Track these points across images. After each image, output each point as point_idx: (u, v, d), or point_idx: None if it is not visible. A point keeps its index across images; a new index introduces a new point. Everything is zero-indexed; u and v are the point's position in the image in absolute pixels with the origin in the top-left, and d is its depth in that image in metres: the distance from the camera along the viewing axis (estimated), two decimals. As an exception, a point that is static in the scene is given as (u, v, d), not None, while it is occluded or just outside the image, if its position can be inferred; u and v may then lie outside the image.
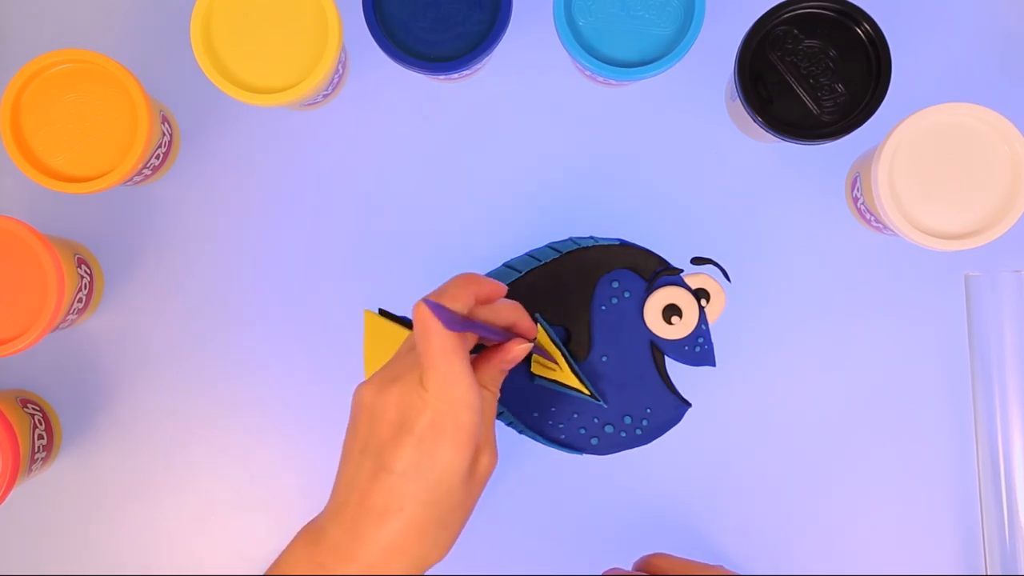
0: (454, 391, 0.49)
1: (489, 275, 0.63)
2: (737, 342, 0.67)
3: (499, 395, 0.55)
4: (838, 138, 0.61)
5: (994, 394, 0.66)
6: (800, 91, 0.62)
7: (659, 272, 0.62)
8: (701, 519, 0.69)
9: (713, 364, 0.63)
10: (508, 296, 0.62)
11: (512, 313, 0.54)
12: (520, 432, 0.63)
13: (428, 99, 0.69)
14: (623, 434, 0.63)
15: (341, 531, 0.51)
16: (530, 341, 0.55)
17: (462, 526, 0.52)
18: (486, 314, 0.53)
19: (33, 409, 0.66)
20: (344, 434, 0.54)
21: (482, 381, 0.53)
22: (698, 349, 0.62)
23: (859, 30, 0.61)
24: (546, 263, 0.63)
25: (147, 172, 0.66)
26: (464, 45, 0.61)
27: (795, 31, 0.61)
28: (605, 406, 0.62)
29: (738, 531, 0.69)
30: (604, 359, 0.62)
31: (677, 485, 0.69)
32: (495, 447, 0.53)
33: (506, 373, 0.55)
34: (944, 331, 0.69)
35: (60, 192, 0.62)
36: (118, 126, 0.62)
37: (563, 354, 0.61)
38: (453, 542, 0.52)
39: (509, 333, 0.54)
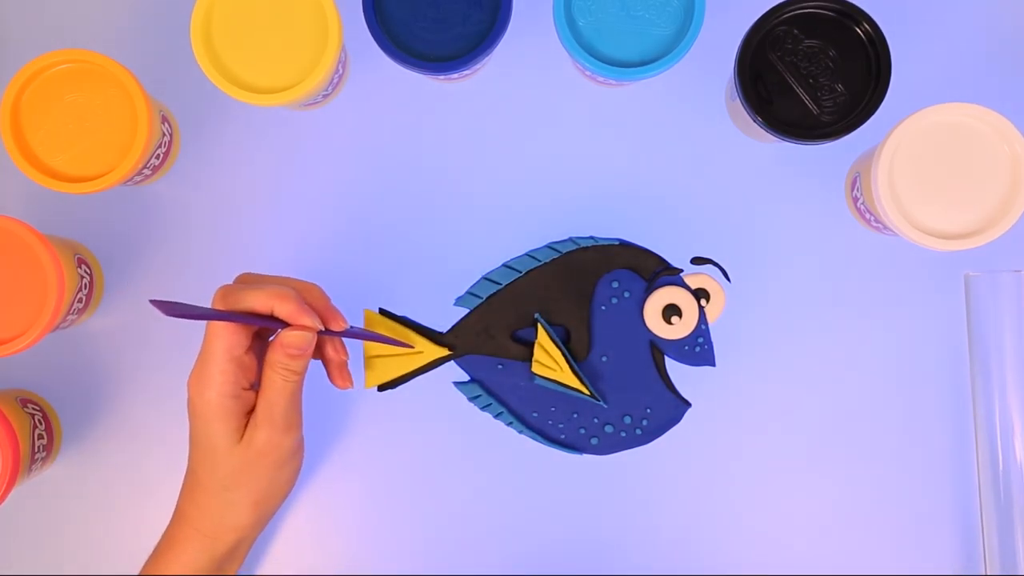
0: (199, 375, 0.58)
1: (489, 275, 0.63)
2: (737, 342, 0.67)
3: (296, 378, 0.58)
4: (838, 138, 0.61)
5: (994, 394, 0.66)
6: (800, 91, 0.62)
7: (659, 272, 0.62)
8: (701, 519, 0.69)
9: (713, 364, 0.63)
10: (507, 296, 0.62)
11: (268, 301, 0.57)
12: (520, 432, 0.63)
13: (428, 99, 0.69)
14: (623, 434, 0.63)
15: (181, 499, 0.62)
16: (315, 330, 0.58)
17: (262, 492, 0.60)
18: (233, 303, 0.57)
19: (33, 409, 0.66)
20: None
21: (270, 364, 0.58)
22: (698, 349, 0.62)
23: (859, 30, 0.61)
24: (546, 263, 0.63)
25: (147, 172, 0.66)
26: (464, 45, 0.61)
27: (795, 31, 0.61)
28: (605, 406, 0.62)
29: (738, 531, 0.69)
30: (604, 359, 0.62)
31: (677, 485, 0.69)
32: (283, 424, 0.59)
33: (298, 358, 0.58)
34: (944, 331, 0.69)
35: (60, 192, 0.62)
36: (118, 126, 0.62)
37: (563, 354, 0.61)
38: (254, 506, 0.60)
39: (277, 321, 0.58)
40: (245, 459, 0.59)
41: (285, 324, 0.58)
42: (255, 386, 0.60)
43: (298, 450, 0.62)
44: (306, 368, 0.59)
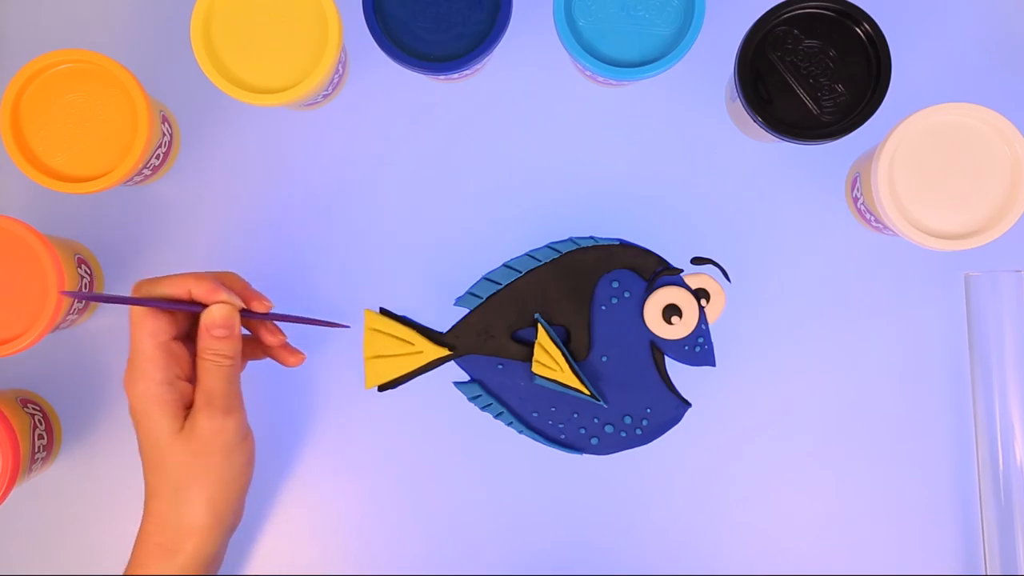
0: (131, 370, 0.58)
1: (489, 275, 0.63)
2: (737, 342, 0.67)
3: (228, 362, 0.59)
4: (838, 138, 0.61)
5: (994, 394, 0.66)
6: (800, 91, 0.62)
7: (659, 272, 0.62)
8: (701, 519, 0.69)
9: (713, 364, 0.63)
10: (507, 296, 0.62)
11: (183, 285, 0.59)
12: (520, 432, 0.63)
13: (428, 99, 0.69)
14: (623, 434, 0.63)
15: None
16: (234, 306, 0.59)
17: (214, 487, 0.59)
18: (149, 291, 0.59)
19: (33, 409, 0.66)
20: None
21: (200, 354, 0.59)
22: (698, 349, 0.62)
23: (859, 30, 0.61)
24: (546, 263, 0.63)
25: (147, 172, 0.66)
26: (464, 45, 0.61)
27: (795, 31, 0.61)
28: (605, 406, 0.62)
29: (738, 530, 0.69)
30: (604, 359, 0.62)
31: (677, 485, 0.69)
32: (223, 407, 0.59)
33: (225, 339, 0.59)
34: (944, 331, 0.69)
35: (60, 192, 0.62)
36: (118, 126, 0.62)
37: (563, 354, 0.61)
38: (209, 503, 0.59)
39: (197, 304, 0.59)
40: (190, 451, 0.58)
41: (205, 307, 0.59)
42: (191, 380, 0.60)
43: (245, 436, 0.61)
44: (238, 352, 0.60)
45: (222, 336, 0.59)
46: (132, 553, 0.61)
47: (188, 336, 0.61)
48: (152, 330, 0.58)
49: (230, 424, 0.59)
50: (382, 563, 0.69)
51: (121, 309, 0.69)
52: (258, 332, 0.62)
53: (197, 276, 0.59)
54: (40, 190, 0.63)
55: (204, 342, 0.59)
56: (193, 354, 0.61)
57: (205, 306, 0.59)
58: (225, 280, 0.61)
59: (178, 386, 0.59)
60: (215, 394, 0.59)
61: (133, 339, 0.58)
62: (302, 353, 0.63)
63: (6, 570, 0.69)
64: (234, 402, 0.60)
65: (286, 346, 0.63)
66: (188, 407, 0.59)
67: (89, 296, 0.60)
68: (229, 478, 0.60)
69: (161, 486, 0.59)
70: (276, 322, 0.63)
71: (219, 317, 0.59)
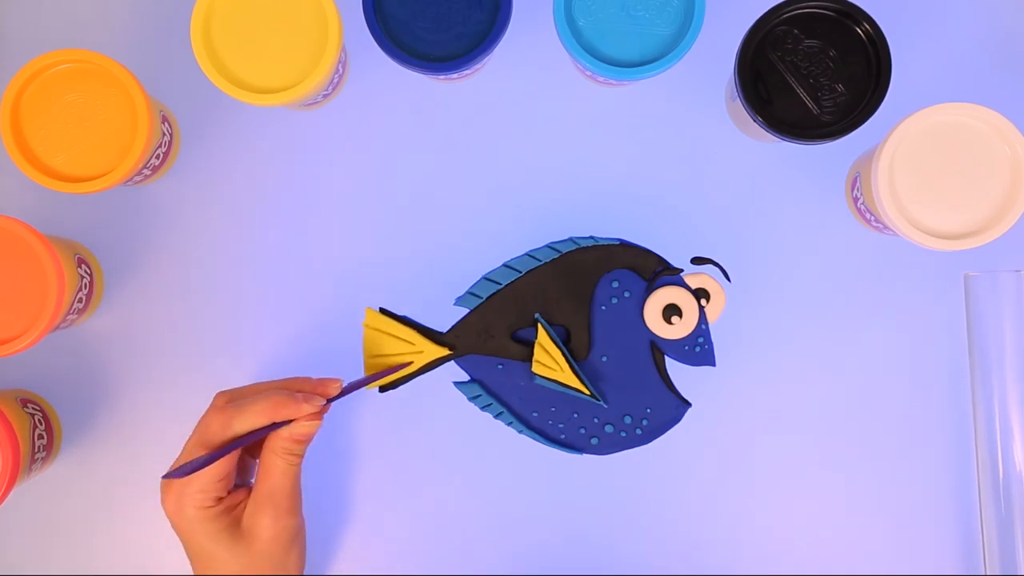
0: (179, 495, 0.58)
1: (489, 275, 0.63)
2: (737, 342, 0.67)
3: (299, 461, 0.59)
4: (838, 138, 0.61)
5: (994, 394, 0.66)
6: (800, 91, 0.62)
7: (659, 272, 0.62)
8: (701, 519, 0.69)
9: (713, 364, 0.63)
10: (508, 296, 0.62)
11: (265, 416, 0.57)
12: (520, 432, 0.63)
13: (428, 99, 0.69)
14: (623, 434, 0.63)
15: None
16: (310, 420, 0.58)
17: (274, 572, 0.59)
18: (235, 429, 0.57)
19: (33, 409, 0.66)
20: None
21: (272, 450, 0.58)
22: (698, 349, 0.62)
23: (859, 30, 0.61)
24: (546, 263, 0.63)
25: (147, 172, 0.66)
26: (464, 45, 0.61)
27: (795, 31, 0.61)
28: (605, 406, 0.62)
29: (738, 531, 0.69)
30: (604, 359, 0.62)
31: (677, 485, 0.69)
32: (288, 507, 0.58)
33: (303, 443, 0.58)
34: (944, 331, 0.69)
35: (60, 192, 0.62)
36: (118, 126, 0.62)
37: (563, 354, 0.61)
38: None
39: (277, 424, 0.58)
40: (252, 552, 0.58)
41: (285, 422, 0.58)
42: (232, 488, 0.60)
43: (302, 529, 0.61)
44: (306, 449, 0.59)
45: (303, 441, 0.58)
46: None
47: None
48: (220, 470, 0.57)
49: (293, 522, 0.59)
50: (382, 563, 0.69)
51: (122, 307, 0.69)
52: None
53: (276, 401, 0.57)
54: (40, 190, 0.63)
55: (281, 443, 0.58)
56: (241, 459, 0.60)
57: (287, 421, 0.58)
58: (296, 386, 0.60)
59: (227, 499, 0.58)
60: (281, 494, 0.58)
61: (197, 476, 0.57)
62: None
63: (6, 570, 0.69)
64: (298, 501, 0.59)
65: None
66: (236, 507, 0.59)
67: (190, 469, 0.55)
68: (289, 569, 0.60)
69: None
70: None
71: (307, 429, 0.58)
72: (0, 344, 0.61)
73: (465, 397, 0.63)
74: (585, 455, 0.63)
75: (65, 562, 0.69)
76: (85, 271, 0.66)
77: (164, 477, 0.56)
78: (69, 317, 0.65)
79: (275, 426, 0.58)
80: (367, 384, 0.61)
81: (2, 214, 0.62)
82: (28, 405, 0.66)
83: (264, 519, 0.58)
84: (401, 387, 0.63)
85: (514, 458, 0.68)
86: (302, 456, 0.59)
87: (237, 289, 0.69)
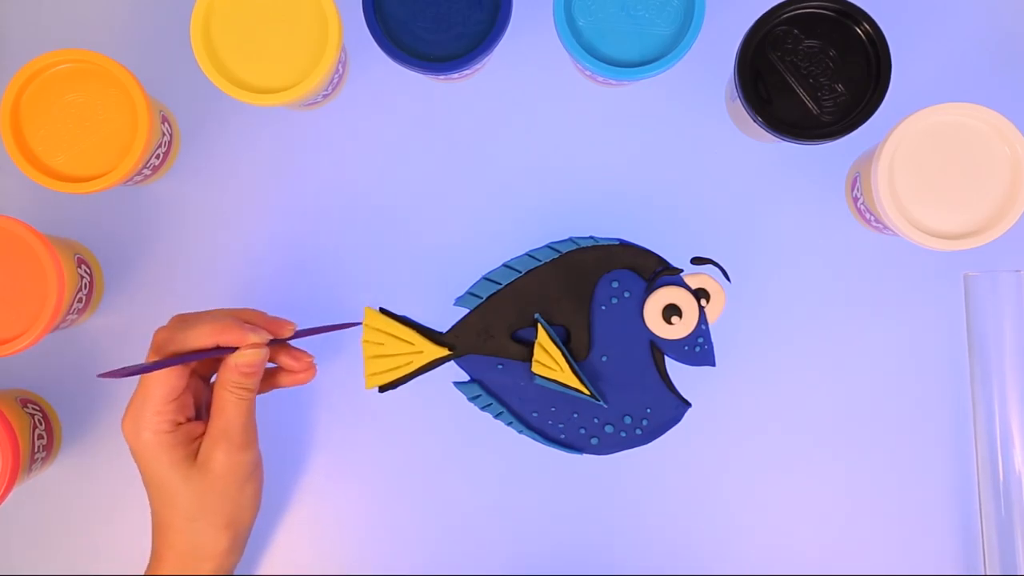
0: (135, 418, 0.58)
1: (489, 275, 0.63)
2: (737, 342, 0.67)
3: (250, 395, 0.59)
4: (838, 138, 0.61)
5: (993, 394, 0.66)
6: (800, 91, 0.62)
7: (659, 272, 0.62)
8: (701, 519, 0.69)
9: (713, 364, 0.63)
10: (507, 296, 0.62)
11: (210, 336, 0.58)
12: (520, 432, 0.63)
13: (428, 99, 0.69)
14: (623, 434, 0.63)
15: None
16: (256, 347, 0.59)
17: (230, 515, 0.60)
18: (177, 346, 0.58)
19: (33, 409, 0.66)
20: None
21: (222, 385, 0.59)
22: (698, 349, 0.62)
23: (859, 30, 0.61)
24: (546, 263, 0.63)
25: (147, 172, 0.66)
26: (464, 45, 0.61)
27: (795, 31, 0.61)
28: (605, 406, 0.62)
29: (738, 530, 0.69)
30: (604, 359, 0.62)
31: (677, 485, 0.69)
32: (242, 442, 0.59)
33: (251, 376, 0.59)
34: (944, 331, 0.69)
35: (60, 192, 0.62)
36: (118, 126, 0.62)
37: (563, 354, 0.61)
38: (226, 528, 0.60)
39: (224, 350, 0.58)
40: (205, 484, 0.59)
41: (231, 350, 0.58)
42: (191, 418, 0.60)
43: (258, 466, 0.62)
44: (258, 383, 0.60)
45: (249, 374, 0.59)
46: None
47: (195, 372, 0.61)
48: (169, 389, 0.58)
49: (247, 457, 0.60)
50: (382, 563, 0.69)
51: (122, 307, 0.69)
52: (279, 358, 0.62)
53: (222, 325, 0.58)
54: (40, 190, 0.63)
55: (229, 376, 0.59)
56: (198, 390, 0.61)
57: (233, 349, 0.59)
58: (247, 317, 0.60)
59: (182, 428, 0.59)
60: (234, 429, 0.59)
61: (145, 391, 0.58)
62: (314, 367, 0.63)
63: (6, 570, 0.69)
64: (252, 435, 0.60)
65: (310, 366, 0.63)
66: (193, 440, 0.59)
67: (124, 372, 0.57)
68: (243, 506, 0.61)
69: (175, 516, 0.59)
70: (297, 343, 0.62)
71: (251, 358, 0.58)
72: (0, 344, 0.61)
73: (465, 397, 0.63)
74: (585, 455, 0.63)
75: (65, 562, 0.69)
76: (85, 271, 0.66)
77: (99, 375, 0.56)
78: (69, 317, 0.65)
79: (222, 354, 0.58)
80: (315, 333, 0.61)
81: (2, 214, 0.62)
82: (28, 405, 0.66)
83: (218, 453, 0.58)
84: (401, 387, 0.63)
85: (514, 458, 0.68)
86: (253, 390, 0.59)
87: (237, 289, 0.69)
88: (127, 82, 0.62)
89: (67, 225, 0.69)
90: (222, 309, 0.61)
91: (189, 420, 0.60)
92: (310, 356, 0.62)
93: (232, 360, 0.58)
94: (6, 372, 0.69)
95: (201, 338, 0.58)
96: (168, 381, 0.58)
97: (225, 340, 0.58)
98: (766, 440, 0.69)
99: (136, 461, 0.60)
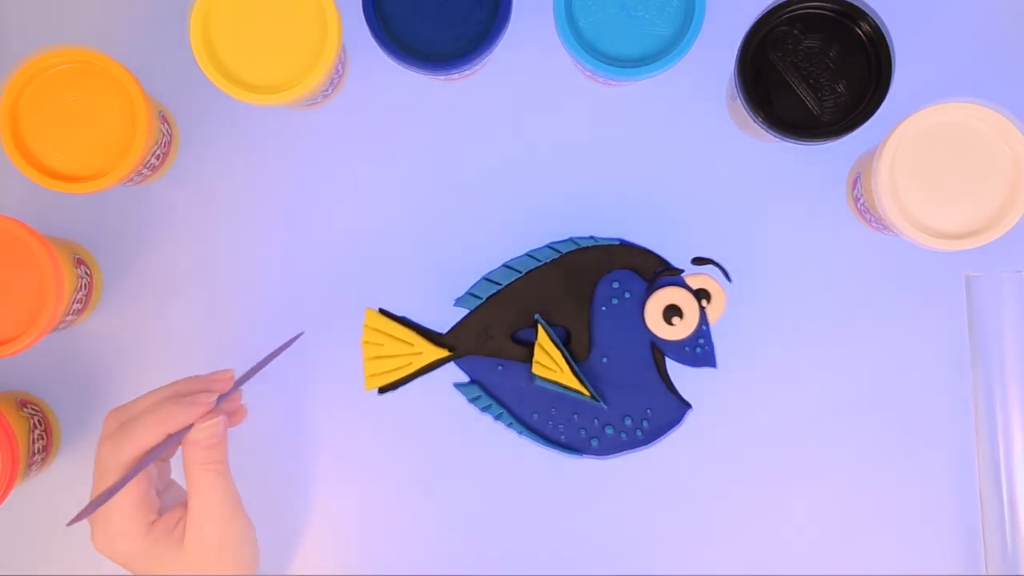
0: (104, 533, 0.57)
1: (489, 275, 0.63)
2: (738, 343, 0.67)
3: (222, 467, 0.58)
4: (838, 138, 0.61)
5: (994, 394, 0.66)
6: (800, 91, 0.61)
7: (659, 272, 0.62)
8: (701, 521, 0.69)
9: (714, 365, 0.62)
10: (507, 296, 0.62)
11: (155, 430, 0.56)
12: (520, 433, 0.63)
13: (428, 99, 0.69)
14: (623, 435, 0.63)
15: None
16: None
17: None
18: (129, 454, 0.56)
19: (32, 411, 0.66)
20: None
21: (192, 466, 0.57)
22: (699, 350, 0.62)
23: (859, 30, 0.61)
24: (546, 263, 0.63)
25: (146, 172, 0.65)
26: (464, 45, 0.61)
27: (795, 31, 0.61)
28: (605, 407, 0.62)
29: (738, 532, 0.69)
30: (604, 360, 0.62)
31: (677, 486, 0.69)
32: (229, 514, 0.57)
33: (217, 445, 0.57)
34: (944, 331, 0.69)
35: (59, 192, 0.61)
36: (117, 126, 0.62)
37: (563, 355, 0.61)
38: None
39: (176, 435, 0.57)
40: (197, 564, 0.57)
41: (186, 430, 0.57)
42: (161, 511, 0.58)
43: (249, 527, 0.60)
44: (226, 449, 0.58)
45: (214, 444, 0.57)
46: None
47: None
48: (133, 495, 0.56)
49: (238, 526, 0.58)
50: (382, 563, 0.69)
51: (121, 307, 0.69)
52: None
53: (164, 412, 0.56)
54: (39, 190, 0.63)
55: (195, 455, 0.57)
56: (161, 470, 0.60)
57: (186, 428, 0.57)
58: (182, 389, 0.59)
59: (158, 523, 0.57)
60: (218, 504, 0.57)
61: (105, 508, 0.56)
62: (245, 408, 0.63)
63: (6, 570, 0.69)
64: (238, 503, 0.58)
65: (239, 411, 0.62)
66: (174, 527, 0.57)
67: (91, 506, 0.56)
68: (242, 568, 0.59)
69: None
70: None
71: (210, 431, 0.57)
72: (-1, 344, 0.61)
73: (465, 398, 0.63)
74: (585, 457, 0.63)
75: (65, 562, 0.69)
76: (84, 271, 0.66)
77: (68, 523, 0.55)
78: (68, 318, 0.65)
79: (178, 439, 0.57)
80: (258, 370, 0.60)
81: (1, 214, 0.62)
82: (26, 407, 0.66)
83: (206, 532, 0.57)
84: (401, 388, 0.63)
85: (514, 459, 0.68)
86: (224, 461, 0.58)
87: (236, 289, 0.69)
88: (126, 82, 0.61)
89: (66, 225, 0.69)
90: (154, 392, 0.59)
91: (159, 514, 0.58)
92: (239, 399, 0.61)
93: (191, 438, 0.57)
94: (4, 373, 0.69)
95: (147, 437, 0.56)
96: (128, 491, 0.56)
97: (173, 427, 0.56)
98: (766, 441, 0.69)
99: (126, 568, 0.57)
